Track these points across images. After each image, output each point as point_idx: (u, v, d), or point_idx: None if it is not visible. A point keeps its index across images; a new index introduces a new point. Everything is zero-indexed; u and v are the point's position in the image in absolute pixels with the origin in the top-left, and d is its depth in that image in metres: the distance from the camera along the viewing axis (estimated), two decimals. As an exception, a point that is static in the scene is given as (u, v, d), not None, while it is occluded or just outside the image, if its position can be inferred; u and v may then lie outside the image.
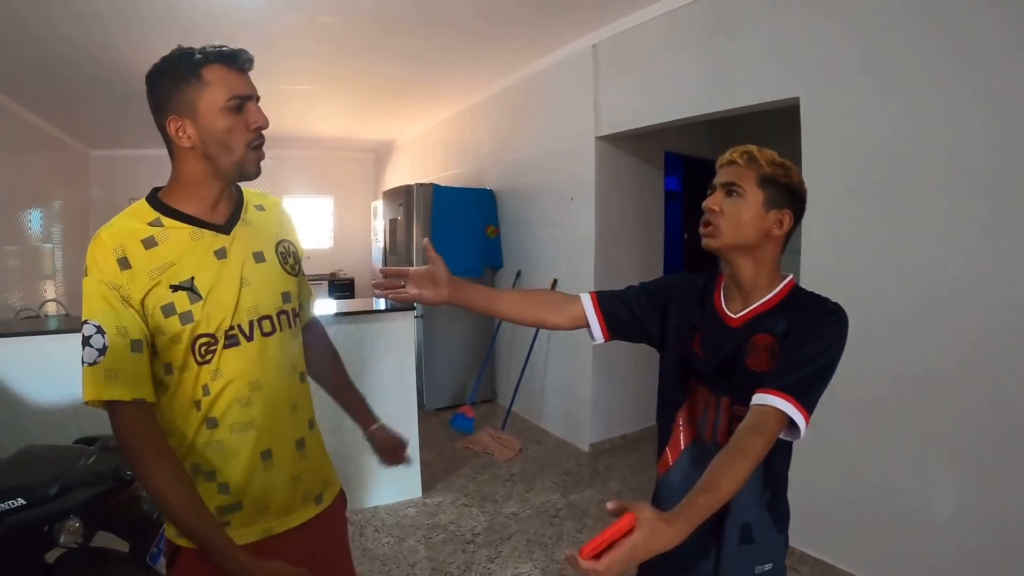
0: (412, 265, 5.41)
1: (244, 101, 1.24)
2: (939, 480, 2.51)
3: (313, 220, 9.64)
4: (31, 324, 3.48)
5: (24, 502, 1.85)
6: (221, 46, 1.23)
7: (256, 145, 1.27)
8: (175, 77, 1.21)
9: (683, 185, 6.18)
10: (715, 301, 1.39)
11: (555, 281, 4.90)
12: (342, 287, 9.06)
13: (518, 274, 5.51)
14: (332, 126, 7.68)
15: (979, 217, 2.39)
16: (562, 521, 3.47)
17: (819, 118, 2.94)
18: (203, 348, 1.22)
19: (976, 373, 2.40)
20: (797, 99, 3.01)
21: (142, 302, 1.17)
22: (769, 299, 1.31)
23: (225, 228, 1.29)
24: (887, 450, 2.69)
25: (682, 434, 1.40)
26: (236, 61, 1.24)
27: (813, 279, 2.98)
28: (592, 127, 4.38)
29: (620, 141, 4.44)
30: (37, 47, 4.18)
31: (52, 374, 2.78)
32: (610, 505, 0.95)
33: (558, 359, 4.96)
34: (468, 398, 5.60)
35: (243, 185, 1.38)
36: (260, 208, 1.41)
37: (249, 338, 1.27)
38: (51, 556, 1.90)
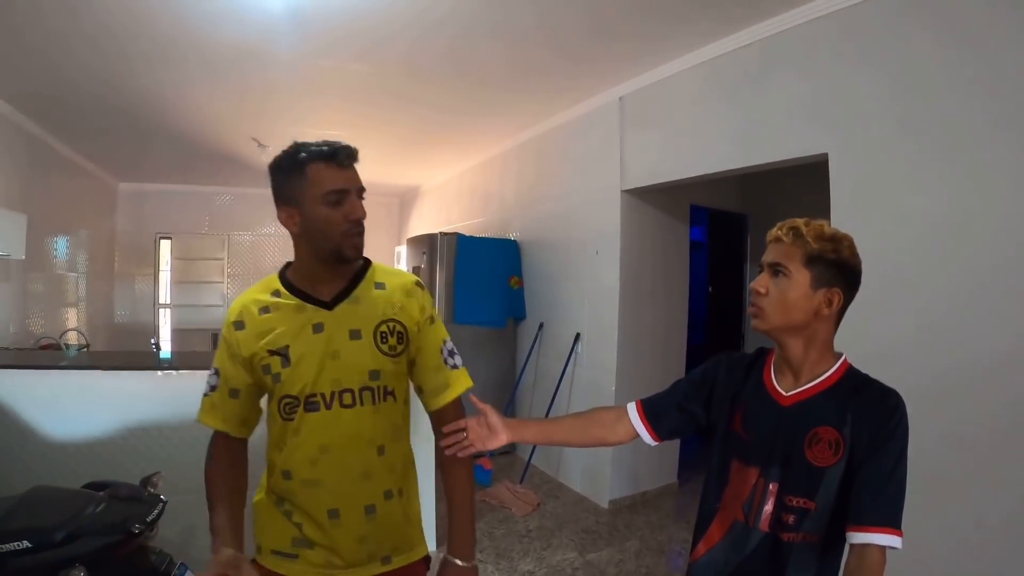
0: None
1: (342, 196, 1.39)
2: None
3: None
4: (49, 357, 3.46)
5: (30, 545, 1.83)
6: (323, 144, 1.40)
7: (354, 233, 1.41)
8: (285, 172, 1.41)
9: (708, 235, 6.16)
10: (764, 377, 1.38)
11: (578, 335, 4.86)
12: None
13: (540, 326, 5.46)
14: (359, 170, 7.67)
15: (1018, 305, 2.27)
16: (580, 583, 3.36)
17: (848, 175, 2.90)
18: (287, 407, 1.43)
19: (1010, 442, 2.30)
20: (826, 155, 2.99)
21: (249, 359, 1.43)
22: (823, 380, 1.30)
23: (329, 305, 1.45)
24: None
25: (723, 516, 1.38)
26: (336, 158, 1.40)
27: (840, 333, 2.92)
28: (618, 180, 4.39)
29: (646, 194, 4.43)
30: (62, 79, 4.28)
31: (66, 410, 2.69)
32: None
33: (576, 407, 4.86)
34: (487, 450, 5.51)
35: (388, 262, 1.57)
36: (380, 287, 1.52)
37: (328, 406, 1.42)
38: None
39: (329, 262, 1.44)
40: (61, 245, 6.38)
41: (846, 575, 1.15)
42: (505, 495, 4.60)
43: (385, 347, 1.47)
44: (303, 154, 1.39)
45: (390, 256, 9.33)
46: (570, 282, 5.06)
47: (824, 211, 2.97)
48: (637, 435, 1.51)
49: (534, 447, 5.01)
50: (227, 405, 1.47)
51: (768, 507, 1.29)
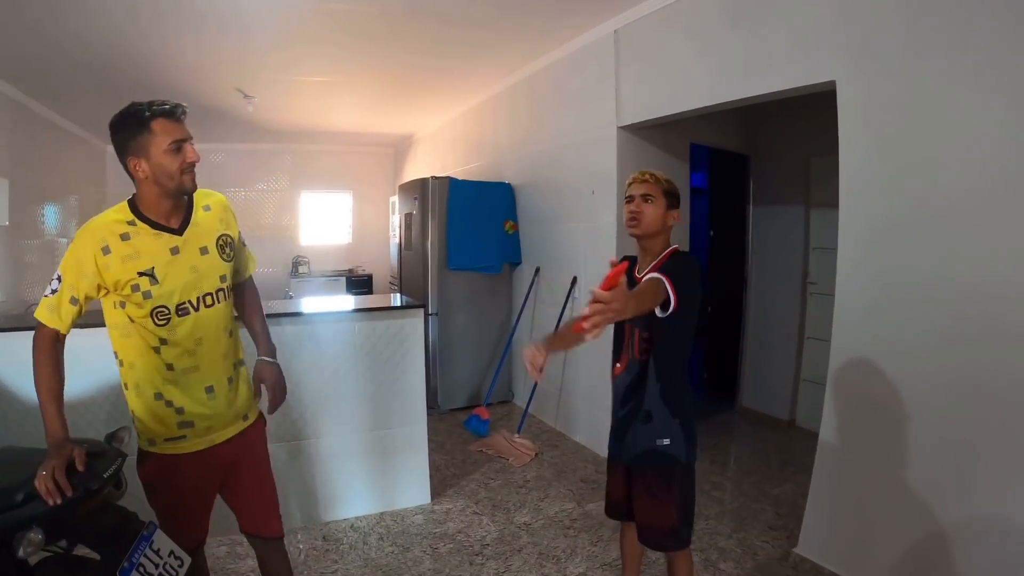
0: (427, 260, 5.28)
1: (181, 144, 1.72)
2: None
3: (331, 215, 9.55)
4: (28, 318, 3.34)
5: None
6: (163, 103, 1.70)
7: (189, 172, 1.76)
8: (131, 129, 1.68)
9: (710, 179, 5.94)
10: (633, 273, 2.11)
11: (575, 279, 4.71)
12: (360, 283, 8.94)
13: (537, 271, 5.31)
14: (350, 120, 7.55)
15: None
16: (577, 533, 3.27)
17: (858, 104, 2.69)
18: (159, 315, 1.76)
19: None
20: (833, 83, 2.77)
21: (115, 280, 1.69)
22: (660, 259, 2.06)
23: (179, 231, 1.81)
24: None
25: (623, 355, 2.17)
26: (175, 114, 1.73)
27: (851, 273, 2.76)
28: (614, 117, 4.17)
29: (643, 131, 4.21)
30: (45, 41, 4.12)
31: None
32: (612, 258, 1.88)
33: (577, 358, 4.75)
34: (484, 399, 5.43)
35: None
36: (207, 208, 1.92)
37: (196, 309, 1.82)
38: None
39: (173, 196, 1.77)
40: (50, 212, 6.22)
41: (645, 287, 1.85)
42: (502, 445, 4.52)
43: (224, 256, 1.91)
44: (147, 112, 1.67)
45: (386, 207, 9.13)
46: (566, 224, 4.88)
47: (831, 149, 2.78)
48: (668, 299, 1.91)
49: (531, 397, 4.90)
50: (65, 308, 1.72)
51: (636, 341, 2.07)
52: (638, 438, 2.09)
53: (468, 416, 5.05)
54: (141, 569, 1.74)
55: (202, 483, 1.95)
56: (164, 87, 5.43)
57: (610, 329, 1.96)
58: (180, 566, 1.85)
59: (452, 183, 5.47)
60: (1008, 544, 2.18)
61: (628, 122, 4.10)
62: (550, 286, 5.12)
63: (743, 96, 3.26)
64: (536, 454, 4.39)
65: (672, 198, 2.07)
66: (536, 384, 4.90)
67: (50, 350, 1.74)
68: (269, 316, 3.11)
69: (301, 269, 9.02)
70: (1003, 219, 2.19)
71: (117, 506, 1.90)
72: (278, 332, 3.13)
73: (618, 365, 2.20)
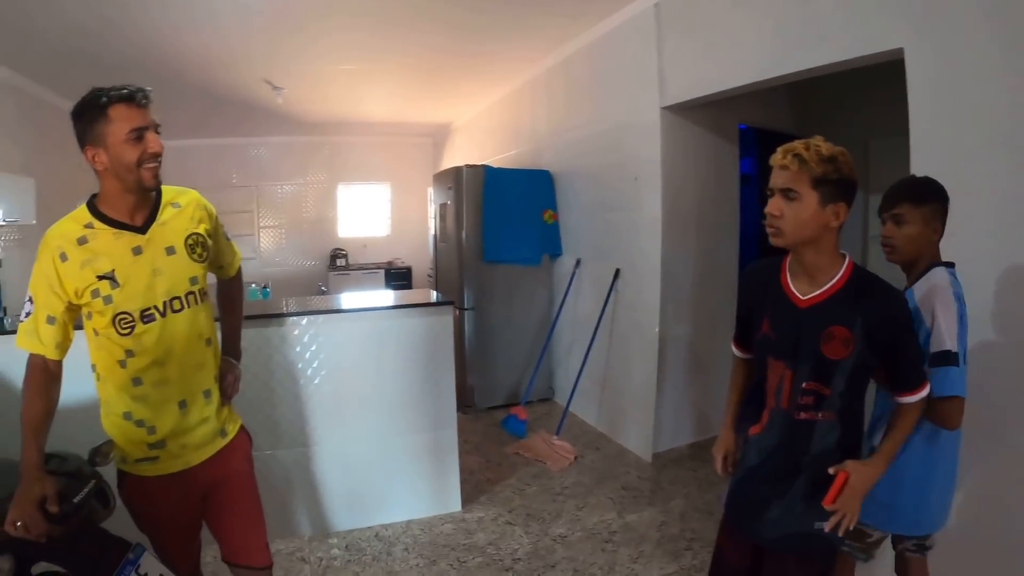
0: (462, 252, 5.07)
1: (142, 132, 1.56)
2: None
3: (369, 207, 9.45)
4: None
5: None
6: (123, 88, 1.54)
7: (153, 165, 1.60)
8: (89, 116, 1.54)
9: (759, 164, 5.57)
10: (782, 283, 1.62)
11: (617, 271, 4.42)
12: (399, 276, 8.81)
13: (578, 263, 5.04)
14: (384, 110, 7.41)
15: None
16: (616, 547, 3.01)
17: (930, 75, 2.32)
18: (122, 323, 1.61)
19: None
20: (901, 51, 2.41)
21: (75, 288, 1.57)
22: (833, 284, 1.54)
23: (142, 229, 1.66)
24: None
25: (767, 404, 1.66)
26: (134, 99, 1.55)
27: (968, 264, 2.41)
28: (656, 97, 3.86)
29: (688, 111, 3.90)
30: (75, 40, 4.17)
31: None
32: (830, 470, 1.51)
33: (621, 355, 4.47)
34: (522, 398, 5.19)
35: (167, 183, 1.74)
36: (176, 206, 1.76)
37: (163, 315, 1.66)
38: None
39: (135, 191, 1.61)
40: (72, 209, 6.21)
41: (896, 419, 1.59)
42: (540, 447, 4.29)
43: (195, 256, 1.75)
44: (104, 98, 1.53)
45: (424, 197, 8.97)
46: (608, 214, 4.59)
47: (893, 129, 2.44)
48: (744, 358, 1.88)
49: (572, 395, 4.65)
50: (43, 330, 1.60)
51: (785, 389, 1.59)
52: (790, 518, 1.61)
53: (506, 416, 4.83)
54: None
55: (181, 508, 1.80)
56: (195, 83, 5.38)
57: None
58: None
59: (487, 171, 5.23)
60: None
61: (672, 102, 3.78)
62: (592, 279, 4.84)
63: (798, 69, 2.91)
64: (576, 458, 4.14)
65: (830, 187, 1.47)
66: (577, 382, 4.66)
67: (35, 379, 1.62)
68: (290, 313, 2.96)
69: (339, 262, 8.93)
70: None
71: (99, 528, 1.75)
72: (299, 330, 2.99)
73: (755, 424, 1.71)
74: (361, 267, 8.95)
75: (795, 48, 2.91)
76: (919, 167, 2.37)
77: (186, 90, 5.64)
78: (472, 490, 3.60)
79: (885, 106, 2.52)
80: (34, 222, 4.76)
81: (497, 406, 5.26)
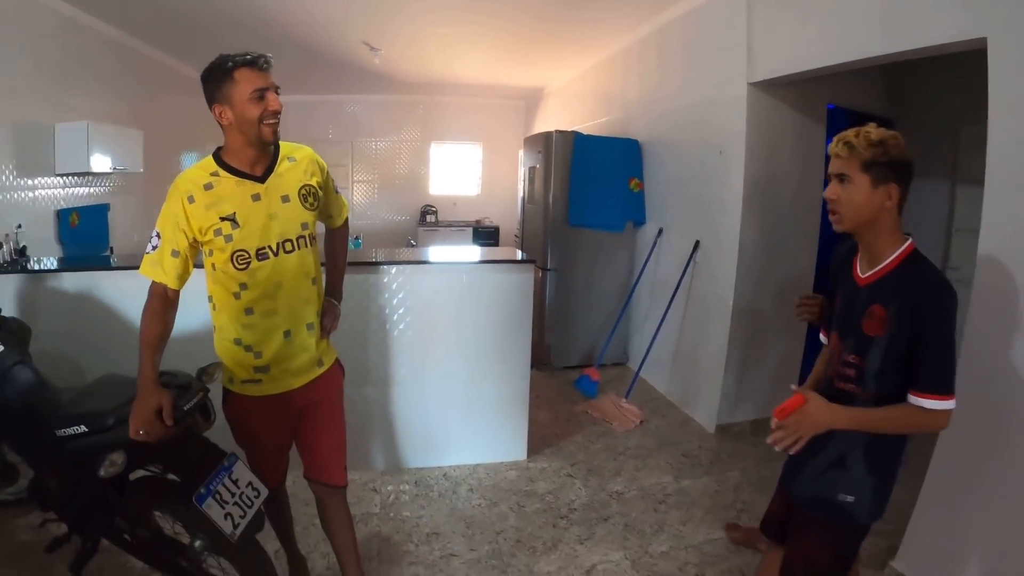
0: (548, 214, 5.21)
1: (263, 92, 1.77)
2: None
3: (460, 166, 9.68)
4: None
5: (86, 429, 1.89)
6: (246, 54, 1.76)
7: (273, 121, 1.81)
8: (217, 78, 1.77)
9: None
10: (853, 263, 1.73)
11: (697, 243, 4.46)
12: (486, 236, 9.03)
13: (660, 232, 5.09)
14: (479, 72, 7.52)
15: None
16: (668, 509, 3.16)
17: (1011, 66, 2.24)
18: (239, 259, 1.84)
19: None
20: (984, 40, 2.32)
21: (199, 227, 1.80)
22: (885, 266, 1.61)
23: (261, 179, 1.88)
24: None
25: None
26: (257, 63, 1.77)
27: (993, 260, 2.38)
28: (744, 72, 3.83)
29: (776, 89, 3.83)
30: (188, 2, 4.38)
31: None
32: (792, 386, 1.64)
33: (694, 326, 4.54)
34: (596, 359, 5.34)
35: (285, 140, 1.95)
36: (292, 160, 1.96)
37: (276, 254, 1.88)
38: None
39: (256, 145, 1.83)
40: (187, 160, 6.75)
41: (894, 406, 1.55)
42: (608, 408, 4.45)
43: (306, 205, 1.95)
44: (231, 63, 1.75)
45: (514, 159, 9.12)
46: (692, 185, 4.60)
47: (983, 112, 2.37)
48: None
49: (643, 361, 4.77)
50: (167, 262, 1.83)
51: (835, 360, 1.73)
52: (818, 481, 1.72)
53: (579, 375, 5.00)
54: (218, 496, 1.86)
55: (276, 426, 2.06)
56: (298, 42, 5.66)
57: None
58: (256, 496, 1.98)
59: (577, 137, 5.32)
60: None
61: (760, 78, 3.74)
62: (672, 248, 4.89)
63: (881, 53, 2.85)
64: (641, 421, 4.28)
65: (880, 169, 1.54)
66: (650, 348, 4.76)
67: (155, 304, 1.84)
68: (384, 262, 3.21)
69: (429, 218, 9.25)
70: None
71: (201, 437, 2.02)
72: (390, 278, 3.25)
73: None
74: (450, 224, 9.23)
75: (881, 31, 2.83)
76: (994, 157, 2.33)
77: (285, 48, 5.91)
78: (538, 442, 3.81)
79: (978, 92, 2.44)
80: (141, 170, 5.17)
81: (571, 366, 5.44)
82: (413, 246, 8.07)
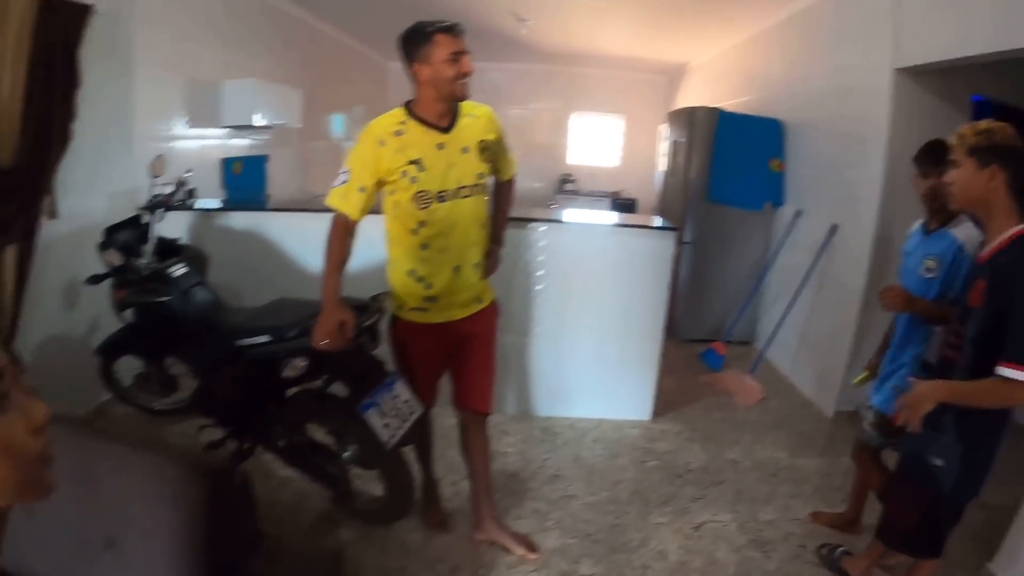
0: (688, 189, 5.36)
1: (458, 55, 2.01)
2: None
3: (600, 138, 9.85)
4: (311, 203, 4.18)
5: (269, 339, 2.34)
6: (443, 21, 2.02)
7: (463, 81, 2.05)
8: (416, 40, 2.02)
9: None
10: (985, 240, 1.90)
11: (834, 227, 4.48)
12: (624, 207, 9.14)
13: (797, 214, 5.12)
14: (622, 44, 7.62)
15: None
16: (779, 483, 3.36)
17: None
18: (422, 199, 2.09)
19: None
20: None
21: (388, 168, 2.05)
22: (996, 245, 1.79)
23: (446, 130, 2.13)
24: None
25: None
26: (453, 30, 2.02)
27: None
28: (888, 57, 3.81)
29: (920, 76, 3.77)
30: None
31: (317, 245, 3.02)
32: (908, 378, 1.97)
33: (823, 311, 4.60)
34: (724, 335, 5.49)
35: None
36: (472, 116, 2.21)
37: (453, 198, 2.13)
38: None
39: (446, 100, 2.09)
40: (338, 120, 7.50)
41: (980, 382, 1.70)
42: (732, 382, 4.64)
43: (483, 157, 2.20)
44: (430, 28, 1.99)
45: (654, 133, 9.18)
46: (833, 170, 4.62)
47: None
48: None
49: (769, 341, 4.90)
50: (353, 196, 2.09)
51: (949, 329, 1.99)
52: (917, 439, 1.93)
53: (706, 349, 5.20)
54: (380, 407, 2.19)
55: (435, 352, 2.36)
56: (446, 8, 6.00)
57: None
58: (412, 413, 2.29)
59: (721, 115, 5.43)
60: None
61: (905, 64, 3.71)
62: (808, 231, 4.93)
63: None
64: (762, 398, 4.45)
65: (983, 153, 1.75)
66: (777, 329, 4.87)
67: (338, 232, 2.13)
68: (536, 219, 3.63)
69: (567, 186, 9.55)
70: None
71: (370, 355, 2.39)
72: (537, 235, 3.61)
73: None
74: (588, 194, 9.47)
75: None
76: None
77: (436, 15, 6.25)
78: (663, 406, 4.04)
79: None
80: (300, 126, 5.72)
81: (699, 339, 5.60)
82: (554, 207, 8.35)
